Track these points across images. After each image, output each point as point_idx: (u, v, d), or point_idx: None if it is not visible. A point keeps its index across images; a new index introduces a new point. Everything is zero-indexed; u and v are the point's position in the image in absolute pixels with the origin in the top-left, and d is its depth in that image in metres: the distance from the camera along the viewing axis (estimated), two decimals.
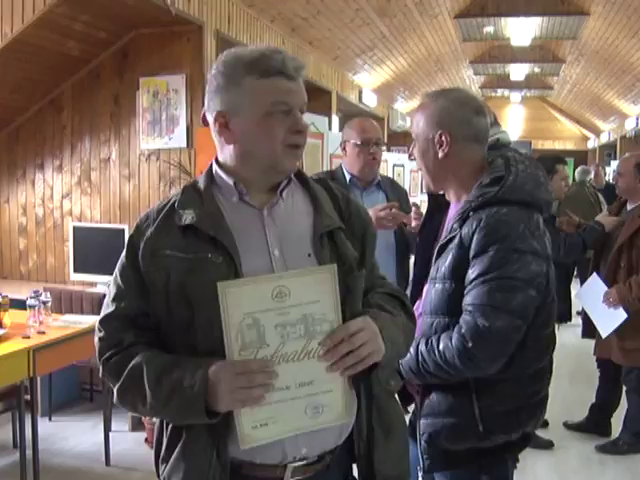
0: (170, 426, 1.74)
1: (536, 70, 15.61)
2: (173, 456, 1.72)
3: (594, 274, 4.85)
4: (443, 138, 2.26)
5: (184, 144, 5.78)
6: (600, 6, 9.74)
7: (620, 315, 4.64)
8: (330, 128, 8.19)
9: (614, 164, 14.02)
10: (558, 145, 22.49)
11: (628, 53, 11.34)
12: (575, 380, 6.58)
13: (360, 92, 11.41)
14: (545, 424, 5.44)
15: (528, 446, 2.38)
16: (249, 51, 1.75)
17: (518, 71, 15.53)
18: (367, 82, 11.63)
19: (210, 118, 1.77)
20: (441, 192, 2.48)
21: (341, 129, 10.40)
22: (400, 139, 15.32)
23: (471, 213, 2.22)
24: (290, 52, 6.38)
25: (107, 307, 1.78)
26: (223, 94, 1.72)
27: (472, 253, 2.17)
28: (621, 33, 10.52)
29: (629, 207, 4.89)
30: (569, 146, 22.64)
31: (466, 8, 10.56)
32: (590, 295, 4.85)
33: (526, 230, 2.16)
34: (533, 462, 4.85)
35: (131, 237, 1.78)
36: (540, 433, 5.18)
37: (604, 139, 19.93)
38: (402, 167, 9.56)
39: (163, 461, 1.75)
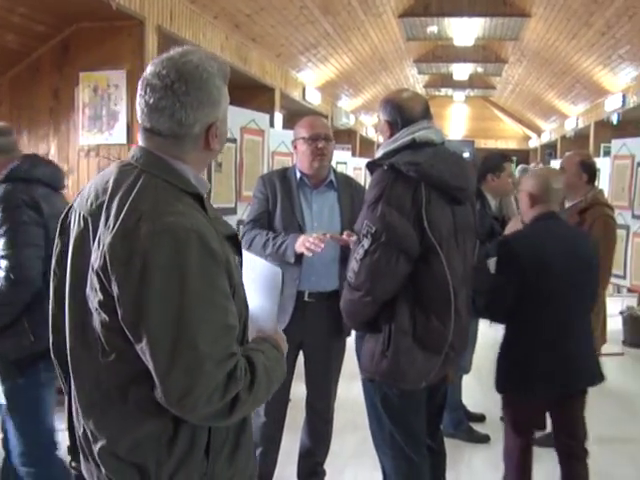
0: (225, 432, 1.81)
1: (479, 70, 15.81)
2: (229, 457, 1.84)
3: None
4: None
5: (124, 140, 5.72)
6: (541, 8, 9.92)
7: None
8: (273, 125, 8.18)
9: (554, 163, 14.28)
10: (501, 144, 22.80)
11: (568, 55, 11.56)
12: None
13: (304, 89, 11.42)
14: (482, 418, 5.52)
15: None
16: (221, 61, 1.86)
17: (461, 71, 15.72)
18: (311, 80, 11.65)
19: (197, 127, 1.76)
20: None
21: (284, 126, 10.45)
22: (344, 136, 15.39)
23: None
24: (234, 49, 6.34)
25: (227, 335, 1.67)
26: (218, 105, 1.79)
27: None
28: (561, 35, 10.72)
29: (567, 204, 4.97)
30: (511, 145, 22.98)
31: (410, 7, 10.66)
32: None
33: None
34: (470, 456, 4.91)
35: (214, 249, 1.66)
36: (477, 427, 5.26)
37: (545, 139, 20.28)
38: (345, 164, 9.62)
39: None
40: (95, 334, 1.69)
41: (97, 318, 1.67)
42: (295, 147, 3.84)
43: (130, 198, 1.65)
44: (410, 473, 3.12)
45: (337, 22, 9.61)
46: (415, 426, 3.11)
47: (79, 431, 1.82)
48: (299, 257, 3.59)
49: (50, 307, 1.95)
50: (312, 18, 8.96)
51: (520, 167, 9.83)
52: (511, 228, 4.81)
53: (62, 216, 1.92)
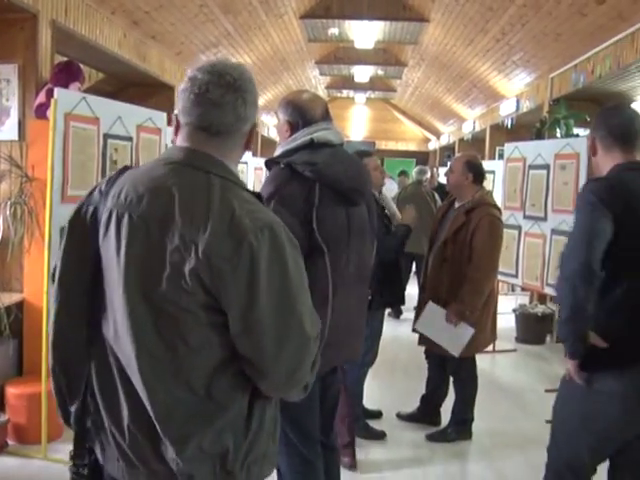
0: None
1: (380, 73, 16.03)
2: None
3: (429, 303, 5.03)
4: None
5: (15, 137, 5.52)
6: (439, 14, 10.14)
7: (467, 330, 4.86)
8: (169, 123, 8.09)
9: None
10: (401, 146, 23.17)
11: (465, 60, 11.84)
12: (409, 372, 6.81)
13: None
14: (379, 415, 5.62)
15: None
16: None
17: (362, 73, 15.88)
18: None
19: (246, 126, 1.93)
20: None
21: None
22: None
23: None
24: (132, 46, 6.19)
25: (315, 316, 1.96)
26: (257, 109, 1.98)
27: None
28: (458, 40, 10.98)
29: (457, 205, 5.13)
30: (411, 147, 23.39)
31: (311, 9, 10.73)
32: (431, 323, 4.99)
33: None
34: (366, 452, 4.97)
35: (294, 240, 1.87)
36: (373, 424, 5.34)
37: (444, 141, 20.68)
38: (246, 164, 9.60)
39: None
40: (174, 332, 1.75)
41: (185, 316, 1.74)
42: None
43: (211, 199, 1.75)
44: (304, 471, 3.16)
45: (238, 22, 9.57)
46: (308, 424, 3.15)
47: (124, 442, 1.83)
48: None
49: (55, 318, 1.92)
50: (212, 17, 8.90)
51: (417, 168, 10.04)
52: (409, 218, 5.09)
53: (70, 220, 1.91)
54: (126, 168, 1.95)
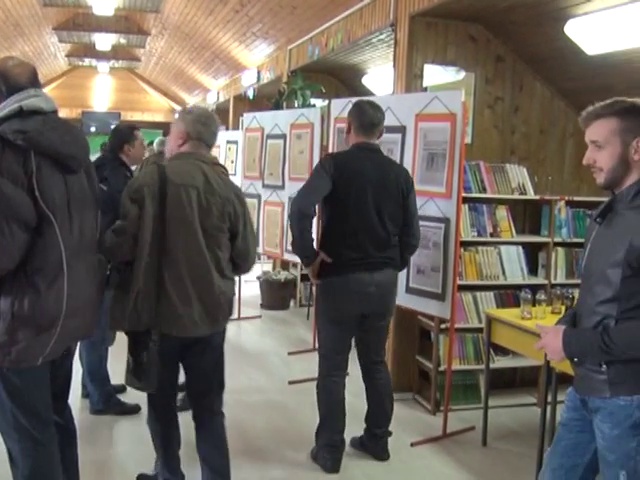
0: None
1: (122, 41, 15.66)
2: None
3: None
4: None
5: None
6: None
7: None
8: None
9: None
10: (147, 117, 22.77)
11: (206, 30, 11.88)
12: None
13: None
14: (123, 389, 5.56)
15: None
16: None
17: (103, 41, 15.44)
18: None
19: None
20: None
21: None
22: None
23: None
24: None
25: None
26: None
27: None
28: (199, 10, 10.99)
29: None
30: (158, 118, 23.04)
31: None
32: None
33: None
34: (118, 427, 5.03)
35: None
36: (124, 398, 5.32)
37: None
38: None
39: None
40: (218, 245, 3.49)
41: (222, 235, 3.50)
42: None
43: (225, 178, 3.68)
44: (37, 455, 3.03)
45: None
46: (39, 405, 3.03)
47: (193, 312, 3.50)
48: None
49: (147, 251, 3.36)
50: None
51: (157, 139, 9.96)
52: None
53: (157, 191, 3.38)
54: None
